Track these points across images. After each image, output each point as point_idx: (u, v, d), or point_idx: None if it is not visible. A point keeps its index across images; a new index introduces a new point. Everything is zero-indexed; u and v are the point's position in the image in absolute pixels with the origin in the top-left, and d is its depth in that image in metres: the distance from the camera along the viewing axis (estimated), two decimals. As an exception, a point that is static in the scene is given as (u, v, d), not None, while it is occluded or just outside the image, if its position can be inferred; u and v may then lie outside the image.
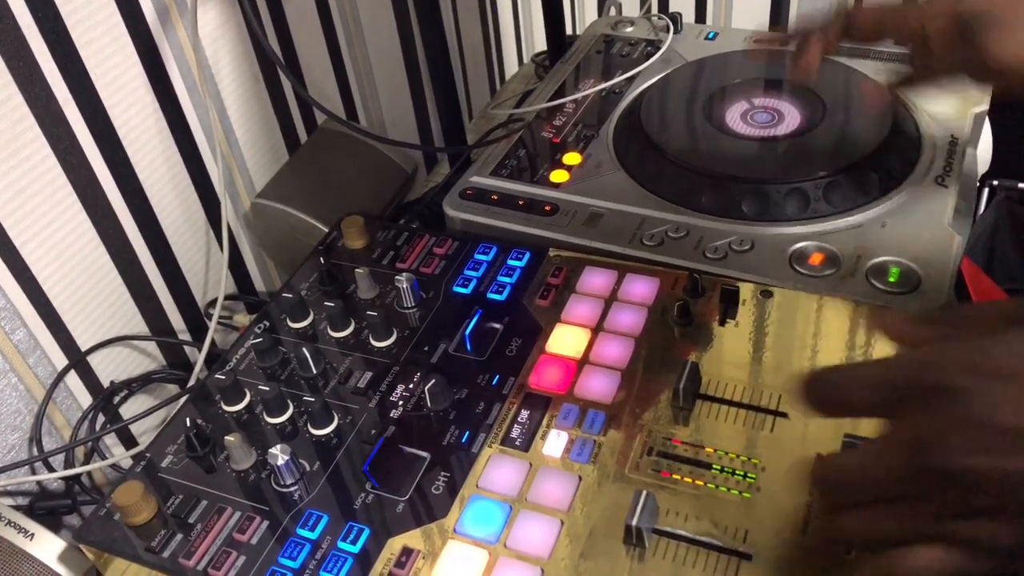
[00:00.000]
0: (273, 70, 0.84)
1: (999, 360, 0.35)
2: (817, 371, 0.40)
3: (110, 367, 0.73)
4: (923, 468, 0.36)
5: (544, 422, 0.55)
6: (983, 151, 0.78)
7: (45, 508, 0.65)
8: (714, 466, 0.51)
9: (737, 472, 0.50)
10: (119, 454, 0.71)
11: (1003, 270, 1.06)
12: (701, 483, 0.50)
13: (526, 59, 1.40)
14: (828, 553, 0.45)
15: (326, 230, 0.80)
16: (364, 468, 0.54)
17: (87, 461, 0.70)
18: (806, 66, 0.64)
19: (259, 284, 0.90)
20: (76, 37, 0.64)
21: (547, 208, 0.71)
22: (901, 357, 0.40)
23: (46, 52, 0.62)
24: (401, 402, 0.58)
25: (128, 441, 0.76)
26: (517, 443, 0.54)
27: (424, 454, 0.55)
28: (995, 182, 0.99)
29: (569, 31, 1.20)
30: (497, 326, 0.62)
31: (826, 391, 0.40)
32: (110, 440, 0.74)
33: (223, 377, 0.59)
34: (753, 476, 0.50)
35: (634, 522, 0.47)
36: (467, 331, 0.62)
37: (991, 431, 0.34)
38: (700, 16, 1.30)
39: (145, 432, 0.77)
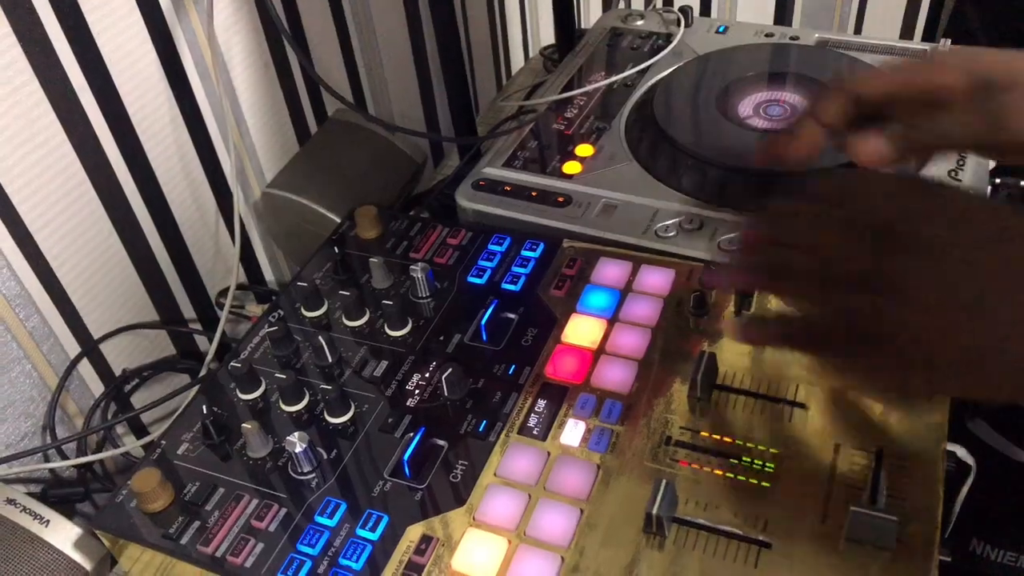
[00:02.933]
0: (285, 61, 0.84)
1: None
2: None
3: (121, 356, 0.73)
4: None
5: (561, 412, 0.55)
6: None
7: (58, 496, 0.65)
8: (732, 455, 0.51)
9: (755, 461, 0.51)
10: (129, 443, 0.71)
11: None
12: (720, 472, 0.50)
13: (532, 53, 1.40)
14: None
15: (337, 220, 0.80)
16: (404, 460, 0.53)
17: (99, 449, 0.70)
18: (803, 153, 0.56)
19: (268, 274, 0.90)
20: (92, 23, 0.64)
21: (560, 199, 0.71)
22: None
23: (63, 38, 0.62)
24: (417, 391, 0.58)
25: (138, 430, 0.76)
26: (534, 432, 0.54)
27: (442, 443, 0.55)
28: (997, 180, 1.00)
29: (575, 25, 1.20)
30: (512, 316, 0.62)
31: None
32: (120, 429, 0.74)
33: (239, 365, 0.59)
34: (772, 465, 0.50)
35: (654, 510, 0.47)
36: (483, 321, 0.62)
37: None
38: (705, 10, 1.30)
39: (155, 421, 0.77)
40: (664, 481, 0.48)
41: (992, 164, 0.81)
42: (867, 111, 0.54)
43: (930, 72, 0.53)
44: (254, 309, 0.78)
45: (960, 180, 0.68)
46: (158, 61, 0.70)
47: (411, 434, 0.55)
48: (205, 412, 0.57)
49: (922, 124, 0.53)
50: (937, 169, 0.69)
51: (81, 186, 0.66)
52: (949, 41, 0.82)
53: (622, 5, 1.00)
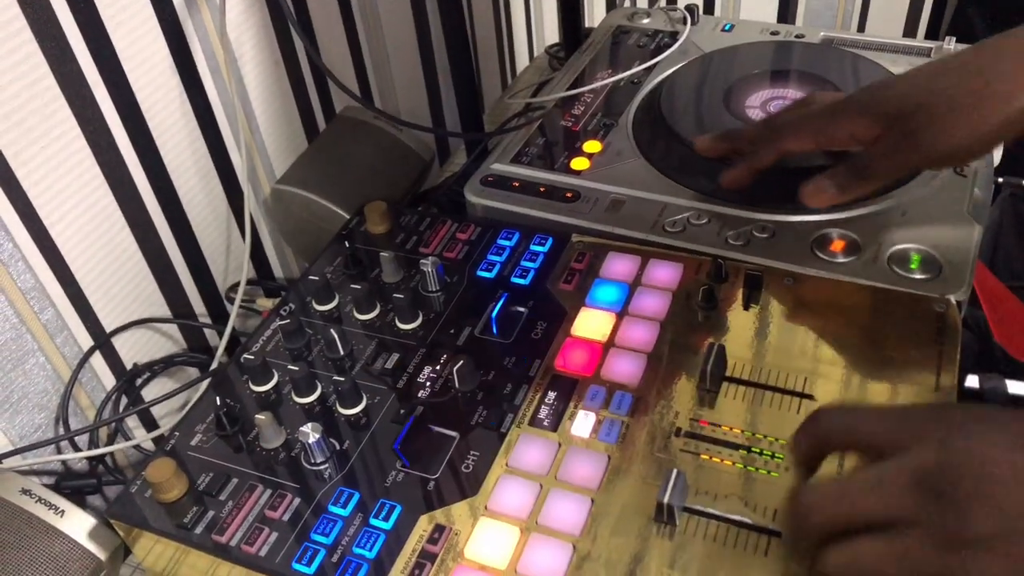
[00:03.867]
0: (294, 58, 0.84)
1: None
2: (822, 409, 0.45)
3: (133, 349, 0.74)
4: (925, 490, 0.37)
5: (571, 403, 0.56)
6: (997, 144, 0.79)
7: (71, 487, 0.66)
8: (741, 446, 0.52)
9: (765, 452, 0.51)
10: (140, 436, 0.72)
11: (1006, 267, 1.07)
12: (729, 463, 0.51)
13: (537, 52, 1.40)
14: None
15: (346, 216, 0.80)
16: (395, 446, 0.55)
17: (110, 442, 0.71)
18: (735, 183, 0.66)
19: (277, 270, 0.91)
20: (107, 19, 0.64)
21: (568, 195, 0.72)
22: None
23: (77, 33, 0.62)
24: (428, 383, 0.59)
25: (149, 423, 0.77)
26: (545, 423, 0.55)
27: (453, 434, 0.55)
28: (1000, 179, 1.00)
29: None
30: (522, 310, 0.63)
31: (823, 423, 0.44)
32: (131, 422, 0.75)
33: (252, 357, 0.60)
34: (781, 456, 0.51)
35: (665, 499, 0.47)
36: (493, 314, 0.62)
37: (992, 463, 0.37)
38: (708, 8, 1.31)
39: (166, 415, 0.78)
40: (675, 471, 0.48)
41: (996, 162, 0.81)
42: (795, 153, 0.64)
43: (845, 121, 0.60)
44: (264, 304, 0.78)
45: (965, 176, 0.68)
46: (171, 57, 0.71)
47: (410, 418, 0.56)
48: (219, 403, 0.58)
49: (856, 163, 0.59)
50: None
51: (95, 180, 0.67)
52: (954, 40, 0.83)
53: (628, 3, 1.00)
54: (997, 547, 0.36)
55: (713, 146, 0.70)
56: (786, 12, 1.29)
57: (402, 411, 0.57)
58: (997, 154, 0.81)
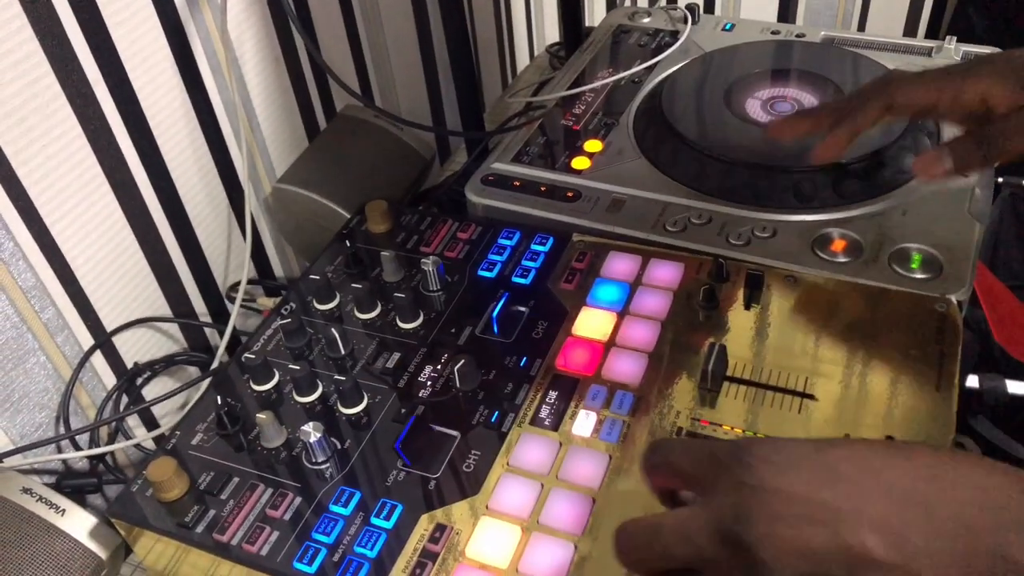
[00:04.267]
0: (295, 57, 0.84)
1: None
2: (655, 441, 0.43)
3: (133, 348, 0.74)
4: (723, 536, 0.35)
5: (572, 403, 0.56)
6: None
7: (71, 486, 0.66)
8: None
9: (766, 452, 0.51)
10: (141, 435, 0.72)
11: (1006, 268, 1.07)
12: (730, 462, 0.51)
13: (537, 51, 1.40)
14: None
15: (346, 215, 0.80)
16: (396, 446, 0.55)
17: (111, 441, 0.71)
18: (832, 151, 0.59)
19: (278, 269, 0.91)
20: (107, 17, 0.64)
21: (569, 194, 0.72)
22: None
23: (79, 32, 0.62)
24: (429, 382, 0.59)
25: (149, 423, 0.77)
26: (546, 423, 0.55)
27: (454, 433, 0.55)
28: (1000, 179, 1.00)
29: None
30: (523, 309, 0.63)
31: (653, 456, 0.41)
32: (132, 421, 0.75)
33: (253, 356, 0.60)
34: (782, 456, 0.51)
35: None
36: (494, 314, 0.62)
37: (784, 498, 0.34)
38: (709, 7, 1.31)
39: (166, 415, 0.78)
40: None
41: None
42: (903, 115, 0.55)
43: (974, 81, 0.52)
44: (264, 303, 0.78)
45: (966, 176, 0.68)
46: (172, 56, 0.71)
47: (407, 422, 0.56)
48: (220, 403, 0.58)
49: (982, 136, 0.53)
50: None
51: (96, 179, 0.67)
52: (954, 39, 0.83)
53: (628, 2, 1.00)
54: None
55: (791, 126, 0.63)
56: (786, 11, 1.29)
57: (403, 410, 0.57)
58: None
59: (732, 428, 0.53)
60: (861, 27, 1.28)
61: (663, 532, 0.38)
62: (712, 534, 0.35)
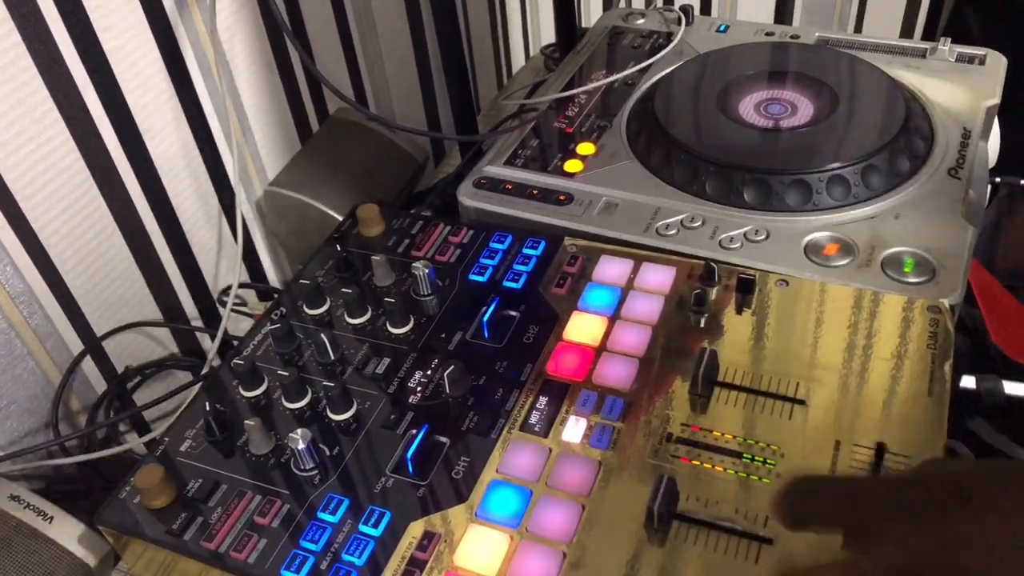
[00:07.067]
0: (287, 60, 0.84)
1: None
2: (791, 481, 0.41)
3: (124, 353, 0.73)
4: None
5: (563, 409, 0.55)
6: (992, 145, 0.79)
7: (61, 493, 0.66)
8: (733, 452, 0.51)
9: (756, 458, 0.51)
10: (131, 440, 0.72)
11: (1005, 268, 1.06)
12: (720, 469, 0.51)
13: (532, 52, 1.40)
14: None
15: (338, 218, 0.80)
16: (408, 458, 0.54)
17: (102, 447, 0.70)
18: None
19: (270, 273, 0.90)
20: (95, 21, 0.64)
21: (562, 197, 0.71)
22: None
23: (66, 36, 0.62)
24: (419, 388, 0.58)
25: (140, 428, 0.77)
26: (536, 429, 0.55)
27: (443, 439, 0.55)
28: (997, 179, 1.00)
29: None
30: (514, 314, 0.63)
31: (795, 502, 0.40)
32: (123, 426, 0.75)
33: (241, 362, 0.59)
34: (773, 462, 0.51)
35: (656, 506, 0.47)
36: (485, 318, 0.62)
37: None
38: (705, 8, 1.31)
39: (157, 419, 0.78)
40: (665, 476, 0.48)
41: (992, 162, 0.81)
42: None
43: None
44: (256, 307, 0.78)
45: (959, 178, 0.68)
46: (161, 59, 0.71)
47: (414, 431, 0.55)
48: (208, 409, 0.57)
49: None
50: (937, 168, 0.69)
51: (84, 184, 0.66)
52: (949, 40, 0.82)
53: (623, 4, 1.00)
54: None
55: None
56: (783, 12, 1.28)
57: (392, 416, 0.56)
58: (993, 154, 0.81)
59: (724, 434, 0.52)
60: (858, 28, 1.28)
61: None
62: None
